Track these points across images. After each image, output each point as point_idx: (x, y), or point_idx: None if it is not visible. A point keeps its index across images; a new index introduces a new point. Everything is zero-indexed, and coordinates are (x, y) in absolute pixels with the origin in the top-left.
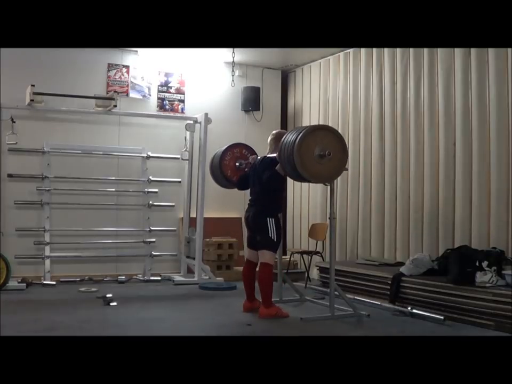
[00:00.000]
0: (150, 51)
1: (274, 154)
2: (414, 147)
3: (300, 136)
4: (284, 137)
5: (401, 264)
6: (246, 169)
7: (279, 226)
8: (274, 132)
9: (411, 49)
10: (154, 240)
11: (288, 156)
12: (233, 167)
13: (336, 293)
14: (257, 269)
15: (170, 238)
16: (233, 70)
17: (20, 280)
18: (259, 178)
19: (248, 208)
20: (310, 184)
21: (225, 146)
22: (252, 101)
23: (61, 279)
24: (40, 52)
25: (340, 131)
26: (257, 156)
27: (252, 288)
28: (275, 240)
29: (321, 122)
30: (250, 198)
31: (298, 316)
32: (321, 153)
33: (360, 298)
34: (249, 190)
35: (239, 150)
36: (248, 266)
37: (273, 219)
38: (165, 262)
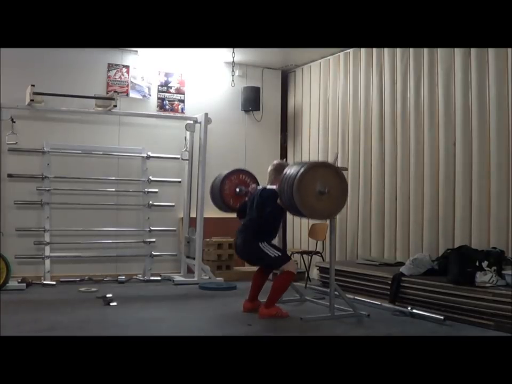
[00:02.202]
0: (150, 51)
1: (274, 186)
2: (414, 147)
3: (300, 172)
4: (285, 171)
5: (401, 264)
6: (246, 198)
7: (274, 245)
8: (274, 162)
9: (411, 49)
10: (154, 240)
11: (288, 192)
12: (233, 194)
13: (336, 293)
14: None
15: (170, 238)
16: (233, 70)
17: (20, 280)
18: (256, 207)
19: (237, 234)
20: None
21: (223, 175)
22: (252, 101)
23: (61, 279)
24: (40, 51)
25: (339, 131)
26: (258, 186)
27: (258, 291)
28: (281, 254)
29: (321, 122)
30: (242, 223)
31: (298, 316)
32: (321, 189)
33: (360, 298)
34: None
35: (236, 176)
36: (261, 270)
37: (265, 242)
38: (165, 262)
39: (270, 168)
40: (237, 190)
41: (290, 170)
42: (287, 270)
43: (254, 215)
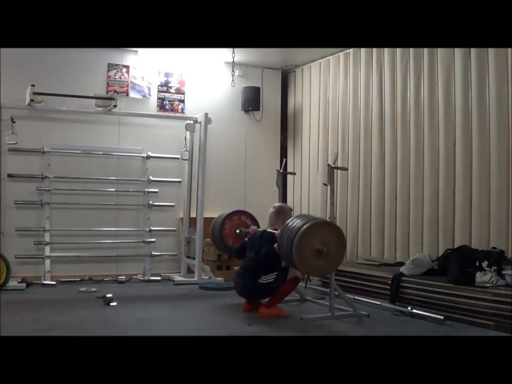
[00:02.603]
0: (150, 51)
1: (275, 231)
2: (414, 147)
3: (302, 230)
4: (286, 222)
5: (401, 264)
6: (246, 239)
7: (270, 269)
8: (276, 205)
9: (411, 49)
10: (154, 240)
11: (287, 247)
12: (233, 235)
13: (336, 293)
14: None
15: (170, 238)
16: (233, 70)
17: (20, 280)
18: (255, 249)
19: (237, 276)
20: (310, 184)
21: (225, 215)
22: (252, 101)
23: (61, 279)
24: (40, 51)
25: (339, 131)
26: (258, 228)
27: None
28: (277, 272)
29: (321, 123)
30: (241, 265)
31: (298, 315)
32: (319, 248)
33: (360, 298)
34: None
35: (237, 217)
36: None
37: (262, 276)
38: (165, 262)
39: (271, 210)
40: (237, 231)
41: (292, 224)
42: (293, 277)
43: (252, 256)
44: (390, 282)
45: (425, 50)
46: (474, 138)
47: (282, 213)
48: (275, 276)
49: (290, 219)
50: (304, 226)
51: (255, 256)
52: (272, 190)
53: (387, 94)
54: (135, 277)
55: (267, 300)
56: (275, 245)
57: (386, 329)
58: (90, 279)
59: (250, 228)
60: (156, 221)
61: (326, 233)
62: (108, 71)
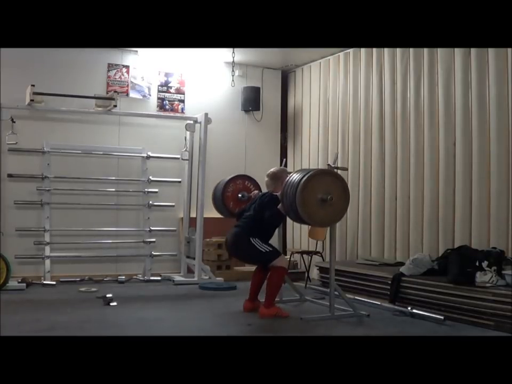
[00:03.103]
0: (150, 51)
1: (275, 193)
2: (414, 147)
3: (305, 177)
4: (290, 175)
5: (401, 264)
6: (248, 204)
7: (265, 242)
8: (269, 172)
9: (411, 49)
10: (154, 240)
11: (291, 195)
12: (235, 198)
13: (336, 293)
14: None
15: (170, 238)
16: (233, 70)
17: (20, 280)
18: (254, 208)
19: (231, 229)
20: None
21: (228, 178)
22: (252, 101)
23: (61, 279)
24: (40, 51)
25: (339, 131)
26: (259, 192)
27: (258, 290)
28: (271, 249)
29: (321, 123)
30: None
31: (298, 316)
32: (323, 197)
33: (360, 298)
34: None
35: (241, 181)
36: (260, 269)
37: (256, 238)
38: (165, 262)
39: (266, 179)
40: (239, 195)
41: (296, 175)
42: (279, 266)
43: (251, 213)
44: (390, 282)
45: (425, 50)
46: (474, 138)
47: (278, 178)
48: (267, 250)
49: (295, 171)
50: (307, 175)
51: (253, 213)
52: None
53: (387, 94)
54: (135, 277)
55: (264, 300)
56: (279, 206)
57: (386, 329)
58: (90, 279)
59: (253, 192)
60: (156, 221)
61: (330, 182)
62: (108, 71)
